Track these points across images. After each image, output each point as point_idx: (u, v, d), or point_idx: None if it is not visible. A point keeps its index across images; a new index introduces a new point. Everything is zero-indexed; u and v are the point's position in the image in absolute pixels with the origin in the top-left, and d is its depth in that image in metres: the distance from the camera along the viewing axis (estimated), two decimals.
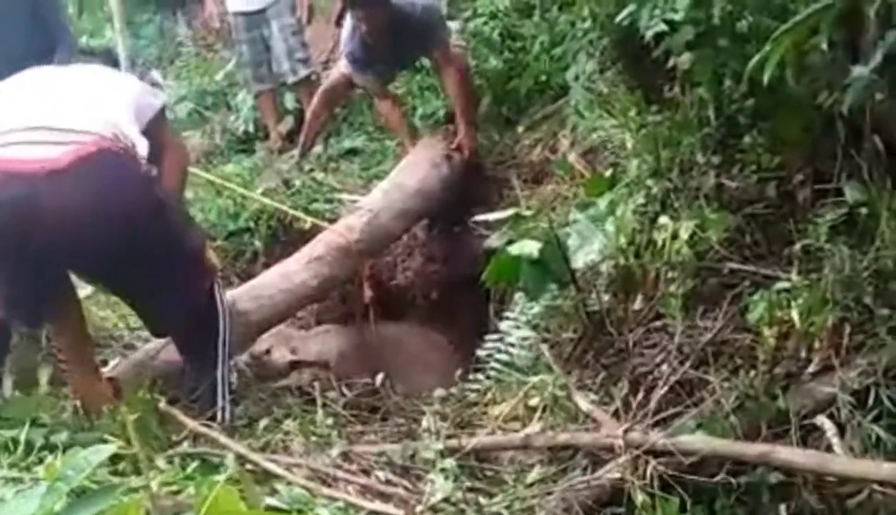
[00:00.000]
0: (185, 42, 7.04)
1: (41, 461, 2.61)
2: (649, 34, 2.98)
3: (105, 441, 2.75)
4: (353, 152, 5.84)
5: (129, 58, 6.00)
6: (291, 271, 4.06)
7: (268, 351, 3.99)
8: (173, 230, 3.13)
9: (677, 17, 2.91)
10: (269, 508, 2.17)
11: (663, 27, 2.93)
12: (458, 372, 3.55)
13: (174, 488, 2.38)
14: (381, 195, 4.71)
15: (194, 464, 2.64)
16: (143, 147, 3.01)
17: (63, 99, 3.02)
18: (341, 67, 5.50)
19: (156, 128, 3.15)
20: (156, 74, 5.98)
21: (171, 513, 1.71)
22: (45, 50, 4.39)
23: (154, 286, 3.05)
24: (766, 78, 2.40)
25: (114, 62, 3.63)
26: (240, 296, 3.74)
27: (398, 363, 4.11)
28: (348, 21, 5.17)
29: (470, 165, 5.09)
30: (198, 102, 6.51)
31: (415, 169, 4.95)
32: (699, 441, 2.44)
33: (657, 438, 2.44)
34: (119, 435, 2.89)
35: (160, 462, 2.61)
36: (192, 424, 2.83)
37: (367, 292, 4.42)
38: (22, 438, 2.60)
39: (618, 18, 3.10)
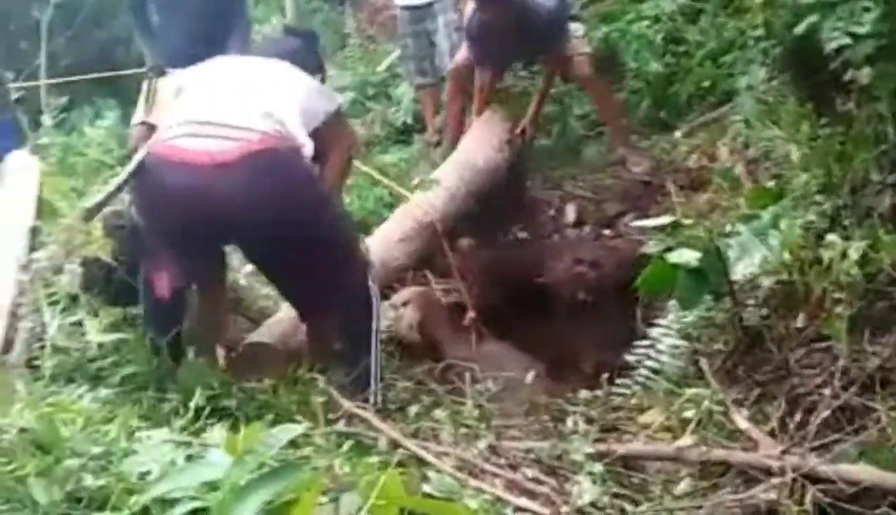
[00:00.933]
0: (350, 33, 7.23)
1: (206, 427, 2.76)
2: (830, 46, 2.89)
3: (271, 412, 2.91)
4: None
5: None
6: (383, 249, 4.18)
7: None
8: (332, 226, 3.27)
9: (861, 30, 2.81)
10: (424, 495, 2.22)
11: (847, 40, 2.83)
12: (605, 376, 3.53)
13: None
14: (455, 174, 4.75)
15: (348, 444, 2.74)
16: (308, 148, 3.14)
17: (236, 94, 3.17)
18: (464, 48, 5.50)
19: (328, 130, 3.28)
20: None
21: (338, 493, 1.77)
22: (220, 33, 4.59)
23: (308, 277, 3.18)
24: None
25: (315, 43, 3.76)
26: None
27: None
28: (471, 5, 5.20)
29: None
30: (360, 93, 6.67)
31: (480, 148, 5.05)
32: (865, 471, 2.35)
33: (818, 463, 2.37)
34: (278, 408, 3.04)
35: (318, 439, 2.71)
36: (347, 404, 2.92)
37: (470, 314, 4.47)
38: (192, 404, 2.73)
39: (797, 29, 3.02)
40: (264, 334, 3.65)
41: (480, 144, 5.10)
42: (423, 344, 4.19)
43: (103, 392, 2.80)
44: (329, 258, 3.21)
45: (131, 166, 3.12)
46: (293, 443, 2.56)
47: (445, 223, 4.52)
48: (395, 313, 4.17)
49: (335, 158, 3.39)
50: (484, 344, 4.44)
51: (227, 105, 3.10)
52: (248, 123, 3.02)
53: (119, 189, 3.19)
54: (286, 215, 2.99)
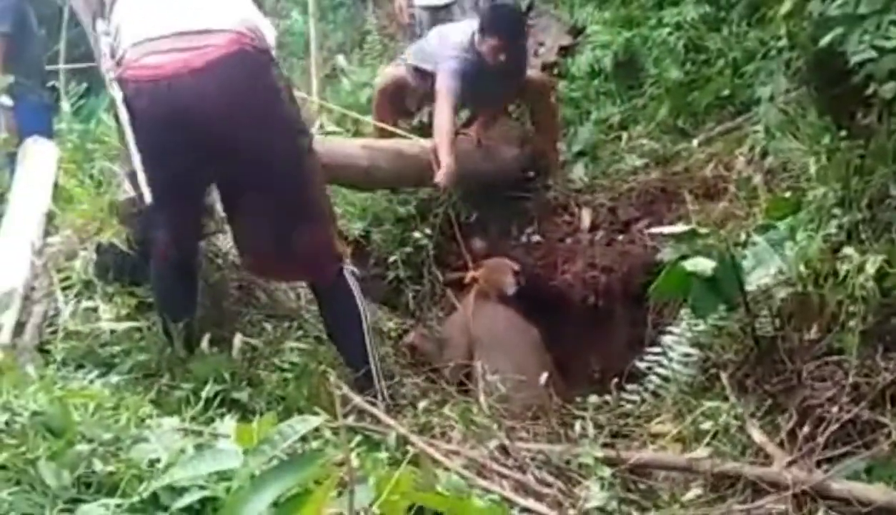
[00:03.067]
0: (371, 30, 7.23)
1: (216, 417, 2.76)
2: (855, 59, 2.88)
3: (283, 404, 2.91)
4: None
5: (317, 39, 6.19)
6: None
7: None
8: (304, 154, 3.25)
9: (888, 44, 2.80)
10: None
11: (872, 53, 2.82)
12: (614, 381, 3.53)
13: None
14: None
15: (356, 439, 2.73)
16: (270, 36, 3.12)
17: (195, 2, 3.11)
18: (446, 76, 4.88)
19: None
20: (341, 59, 6.20)
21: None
22: None
23: (277, 214, 3.15)
24: None
25: None
26: None
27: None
28: (463, 29, 5.00)
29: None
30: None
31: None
32: (877, 491, 2.34)
33: (832, 482, 2.36)
34: (286, 400, 3.05)
35: (327, 433, 2.71)
36: (357, 399, 2.91)
37: (472, 272, 4.66)
38: (204, 393, 2.74)
39: (822, 41, 3.00)
40: None
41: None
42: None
43: (114, 378, 2.81)
44: (301, 194, 3.19)
45: (122, 112, 3.02)
46: (303, 437, 2.58)
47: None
48: None
49: None
50: (480, 305, 4.55)
51: (190, 12, 3.03)
52: (217, 25, 2.99)
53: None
54: (264, 115, 3.01)
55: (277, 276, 3.45)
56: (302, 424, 1.40)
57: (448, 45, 4.93)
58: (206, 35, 2.97)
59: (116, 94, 3.00)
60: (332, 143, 4.70)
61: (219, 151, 3.02)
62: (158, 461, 2.11)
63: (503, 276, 4.73)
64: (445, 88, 4.74)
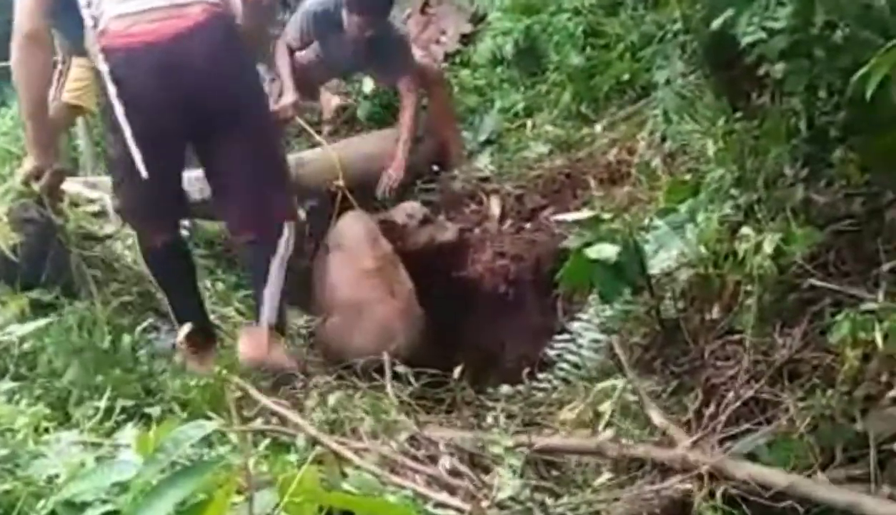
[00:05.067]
0: None
1: (117, 426, 2.68)
2: (745, 40, 2.93)
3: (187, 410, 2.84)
4: None
5: None
6: None
7: None
8: (268, 113, 3.78)
9: (776, 25, 2.85)
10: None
11: (762, 35, 2.87)
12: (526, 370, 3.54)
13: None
14: None
15: (265, 442, 2.68)
16: (237, 8, 3.35)
17: None
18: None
19: None
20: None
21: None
22: None
23: (252, 169, 3.41)
24: (868, 93, 2.35)
25: None
26: None
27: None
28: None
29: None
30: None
31: None
32: (779, 475, 2.40)
33: (724, 458, 2.41)
34: (186, 407, 2.97)
35: (234, 438, 2.65)
36: (265, 401, 2.86)
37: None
38: (102, 404, 2.66)
39: (714, 23, 3.05)
40: None
41: None
42: None
43: (8, 385, 2.69)
44: (270, 149, 3.57)
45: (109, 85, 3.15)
46: (208, 443, 2.52)
47: None
48: None
49: None
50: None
51: None
52: None
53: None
54: (239, 77, 3.39)
55: (255, 229, 3.55)
56: (197, 429, 1.35)
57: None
58: (184, 7, 3.22)
59: (102, 66, 3.16)
60: None
61: (201, 111, 3.26)
62: (58, 476, 2.05)
63: (397, 213, 4.89)
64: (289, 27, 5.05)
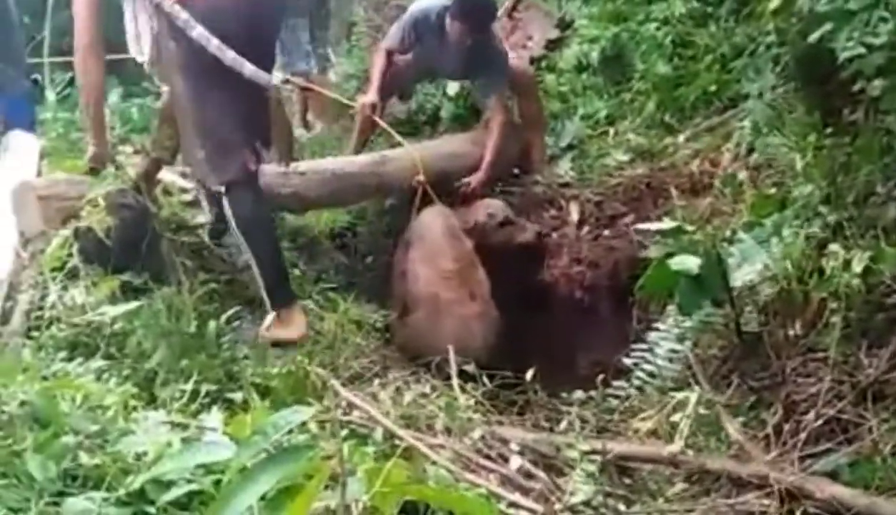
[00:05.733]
0: (357, 22, 7.21)
1: (202, 409, 2.75)
2: (843, 55, 2.88)
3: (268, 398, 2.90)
4: None
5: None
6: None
7: None
8: None
9: (877, 40, 2.81)
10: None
11: (861, 50, 2.83)
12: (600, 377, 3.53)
13: None
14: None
15: (342, 432, 2.73)
16: None
17: None
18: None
19: None
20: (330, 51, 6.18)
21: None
22: None
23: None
24: None
25: None
26: None
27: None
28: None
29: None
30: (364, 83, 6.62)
31: None
32: (860, 496, 2.36)
33: (815, 485, 2.38)
34: (267, 394, 3.04)
35: (312, 427, 2.70)
36: (345, 393, 2.91)
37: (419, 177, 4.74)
38: (188, 387, 2.74)
39: (811, 37, 3.01)
40: None
41: None
42: None
43: (99, 363, 2.79)
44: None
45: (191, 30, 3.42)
46: (289, 431, 2.57)
47: None
48: None
49: None
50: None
51: None
52: None
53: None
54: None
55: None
56: (295, 415, 1.40)
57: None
58: None
59: (181, 15, 3.41)
60: None
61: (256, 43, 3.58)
62: (145, 454, 2.11)
63: (477, 211, 4.87)
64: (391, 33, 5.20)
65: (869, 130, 3.20)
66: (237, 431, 1.59)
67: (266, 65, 3.65)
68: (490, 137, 5.09)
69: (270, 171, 4.04)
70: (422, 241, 4.57)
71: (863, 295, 2.92)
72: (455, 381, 3.39)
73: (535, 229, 5.00)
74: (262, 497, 1.45)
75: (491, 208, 4.93)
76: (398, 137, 4.96)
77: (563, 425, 3.10)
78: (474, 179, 5.03)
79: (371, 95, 5.09)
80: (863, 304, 2.94)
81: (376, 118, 5.08)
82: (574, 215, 5.10)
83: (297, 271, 4.25)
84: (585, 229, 5.10)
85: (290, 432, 2.50)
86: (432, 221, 4.63)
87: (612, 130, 5.49)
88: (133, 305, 3.16)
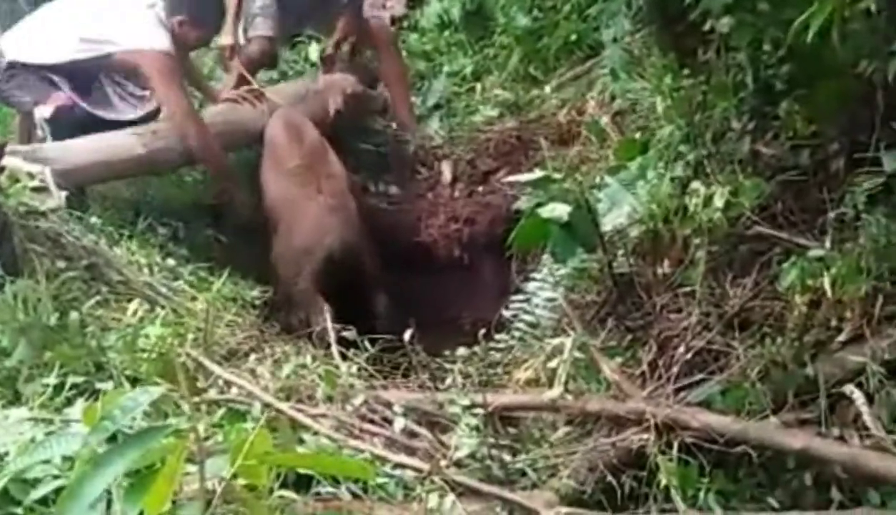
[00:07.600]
0: None
1: (69, 402, 2.64)
2: None
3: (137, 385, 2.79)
4: None
5: None
6: None
7: None
8: None
9: None
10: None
11: None
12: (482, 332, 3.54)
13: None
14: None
15: (220, 411, 2.66)
16: None
17: None
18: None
19: None
20: None
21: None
22: None
23: None
24: (808, 41, 2.37)
25: None
26: None
27: None
28: None
29: None
30: None
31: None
32: (732, 422, 2.44)
33: (689, 416, 2.45)
34: (138, 382, 2.93)
35: (185, 407, 2.62)
36: (219, 371, 2.84)
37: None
38: (51, 381, 2.62)
39: None
40: None
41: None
42: None
43: None
44: None
45: None
46: (164, 415, 2.49)
47: None
48: None
49: None
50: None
51: None
52: None
53: None
54: None
55: None
56: (144, 396, 1.33)
57: None
58: None
59: None
60: None
61: None
62: (7, 454, 2.02)
63: (334, 93, 4.86)
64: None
65: (721, 67, 3.26)
66: (89, 419, 1.51)
67: None
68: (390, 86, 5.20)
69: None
70: (268, 149, 4.53)
71: (725, 229, 2.99)
72: (335, 348, 3.35)
73: (384, 96, 5.16)
74: (123, 483, 1.40)
75: (345, 82, 4.93)
76: (250, 78, 4.86)
77: (447, 382, 3.09)
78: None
79: (228, 37, 5.01)
80: (725, 237, 3.02)
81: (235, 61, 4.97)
82: (447, 175, 5.09)
83: (167, 255, 4.10)
84: (459, 187, 5.11)
85: (165, 416, 2.45)
86: (273, 125, 4.59)
87: (478, 86, 5.49)
88: None
